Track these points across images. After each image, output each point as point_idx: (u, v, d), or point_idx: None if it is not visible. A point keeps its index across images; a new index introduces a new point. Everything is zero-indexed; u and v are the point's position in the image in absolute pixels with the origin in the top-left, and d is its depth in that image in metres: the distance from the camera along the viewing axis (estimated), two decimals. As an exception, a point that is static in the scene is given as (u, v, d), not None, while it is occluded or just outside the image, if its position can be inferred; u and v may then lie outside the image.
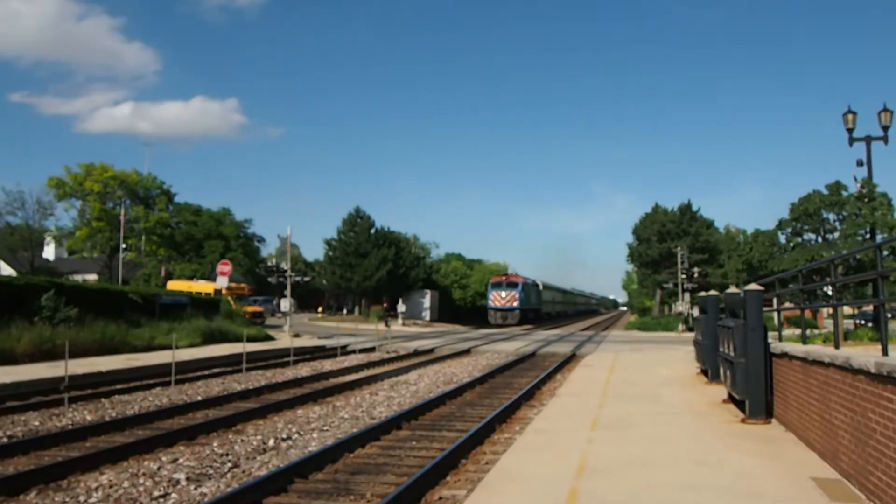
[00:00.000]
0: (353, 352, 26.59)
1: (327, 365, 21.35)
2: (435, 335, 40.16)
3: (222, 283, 38.66)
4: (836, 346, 7.82)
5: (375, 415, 12.29)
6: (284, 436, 10.28)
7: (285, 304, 42.86)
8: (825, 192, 42.68)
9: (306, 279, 54.51)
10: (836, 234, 42.12)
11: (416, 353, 25.96)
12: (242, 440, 10.00)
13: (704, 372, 15.82)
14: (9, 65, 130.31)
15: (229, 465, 8.52)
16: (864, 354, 6.49)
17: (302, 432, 10.60)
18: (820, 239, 43.97)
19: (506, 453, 8.16)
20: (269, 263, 49.22)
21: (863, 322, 37.97)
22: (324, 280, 73.92)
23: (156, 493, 7.25)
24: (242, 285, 49.53)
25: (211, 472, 8.18)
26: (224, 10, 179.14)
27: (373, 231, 68.05)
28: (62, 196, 54.04)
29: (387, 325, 39.94)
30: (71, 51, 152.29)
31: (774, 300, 15.11)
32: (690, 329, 41.61)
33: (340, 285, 69.03)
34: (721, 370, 12.07)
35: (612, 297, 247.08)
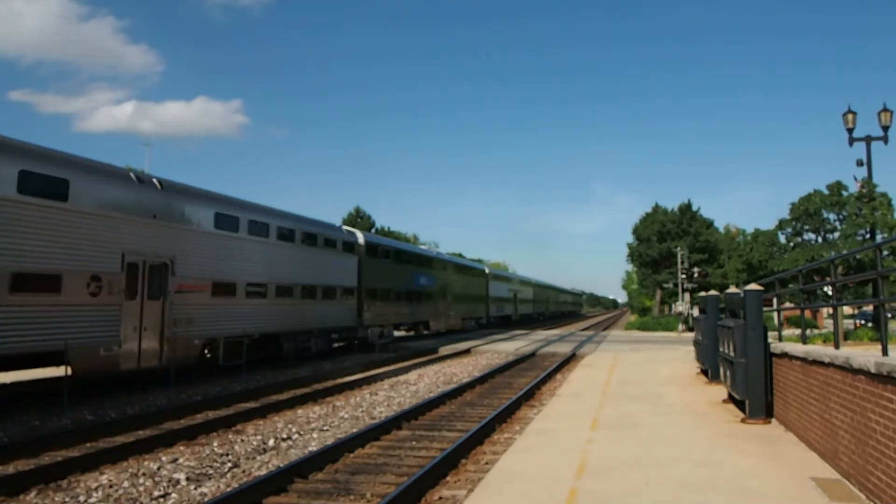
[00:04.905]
0: (353, 352, 26.56)
1: (327, 365, 21.34)
2: (435, 335, 40.14)
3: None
4: (836, 346, 7.82)
5: (375, 415, 12.29)
6: (284, 436, 10.28)
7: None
8: (825, 192, 42.74)
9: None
10: (837, 234, 42.15)
11: (416, 353, 25.95)
12: (242, 440, 10.01)
13: (704, 372, 15.82)
14: (11, 63, 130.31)
15: (229, 465, 8.52)
16: (864, 354, 6.49)
17: (302, 432, 10.60)
18: (820, 239, 44.02)
19: (506, 453, 8.16)
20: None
21: (863, 322, 37.97)
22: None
23: (156, 493, 7.25)
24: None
25: (211, 472, 8.18)
26: (228, 10, 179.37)
27: (373, 231, 68.11)
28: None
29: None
30: (75, 51, 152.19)
31: (774, 300, 15.12)
32: (690, 329, 41.62)
33: (340, 285, 68.95)
34: (721, 370, 12.07)
35: (611, 296, 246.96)
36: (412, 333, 32.52)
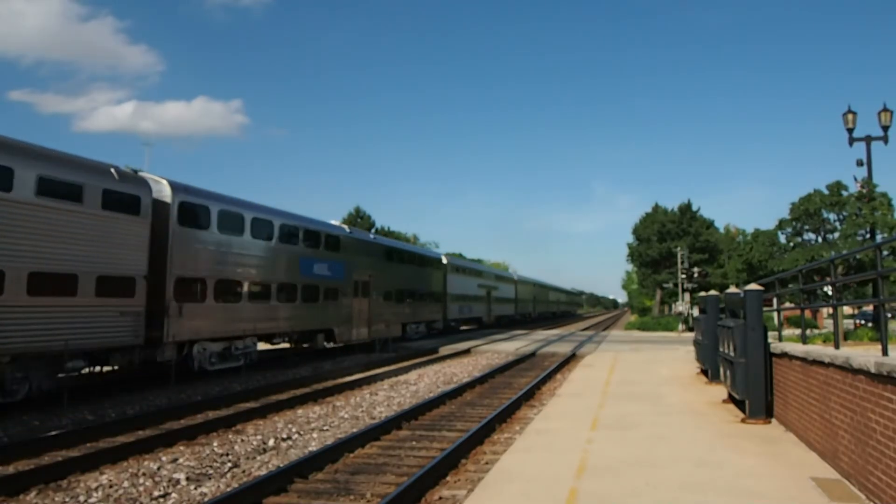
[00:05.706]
0: (353, 352, 26.57)
1: (327, 365, 21.34)
2: (435, 335, 40.15)
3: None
4: (836, 346, 7.82)
5: (375, 414, 12.29)
6: (284, 436, 10.28)
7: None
8: (825, 192, 42.74)
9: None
10: (837, 234, 42.15)
11: (417, 353, 25.96)
12: (242, 440, 10.01)
13: (704, 372, 15.82)
14: (11, 63, 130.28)
15: (229, 465, 8.52)
16: (864, 354, 6.49)
17: (302, 432, 10.60)
18: (820, 239, 44.01)
19: (506, 453, 8.16)
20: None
21: (863, 322, 37.97)
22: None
23: (156, 493, 7.25)
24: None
25: (211, 472, 8.19)
26: (228, 10, 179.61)
27: (373, 231, 68.15)
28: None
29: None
30: (75, 51, 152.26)
31: (774, 300, 15.12)
32: (690, 329, 41.61)
33: (340, 285, 68.82)
34: (721, 370, 12.07)
35: (611, 296, 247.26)
36: (305, 346, 23.02)
